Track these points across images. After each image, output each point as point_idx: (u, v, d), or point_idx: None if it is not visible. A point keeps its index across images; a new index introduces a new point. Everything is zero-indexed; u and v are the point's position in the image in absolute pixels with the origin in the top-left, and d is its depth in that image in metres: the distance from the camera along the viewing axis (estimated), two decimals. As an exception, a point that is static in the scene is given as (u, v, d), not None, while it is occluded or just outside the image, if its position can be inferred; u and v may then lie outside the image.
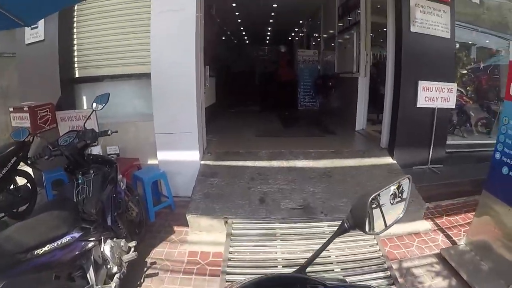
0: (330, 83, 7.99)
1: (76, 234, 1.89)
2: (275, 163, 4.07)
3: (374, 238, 2.85)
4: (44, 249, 1.68)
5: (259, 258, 2.60)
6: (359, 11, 6.01)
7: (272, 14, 10.23)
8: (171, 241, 3.05)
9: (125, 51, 4.06)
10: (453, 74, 4.84)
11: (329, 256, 2.66)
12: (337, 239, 2.60)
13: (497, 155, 2.64)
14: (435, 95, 4.15)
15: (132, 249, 2.36)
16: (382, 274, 2.53)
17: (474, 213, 3.04)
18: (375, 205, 0.97)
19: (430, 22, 4.13)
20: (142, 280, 2.54)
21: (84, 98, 4.29)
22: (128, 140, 3.77)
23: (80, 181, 2.17)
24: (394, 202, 1.03)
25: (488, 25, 6.06)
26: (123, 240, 2.29)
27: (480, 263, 2.73)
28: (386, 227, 1.01)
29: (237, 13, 9.95)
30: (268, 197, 3.39)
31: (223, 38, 12.43)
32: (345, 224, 0.97)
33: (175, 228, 3.28)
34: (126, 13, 4.00)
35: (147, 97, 3.81)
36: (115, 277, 2.12)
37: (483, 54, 6.44)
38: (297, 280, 0.90)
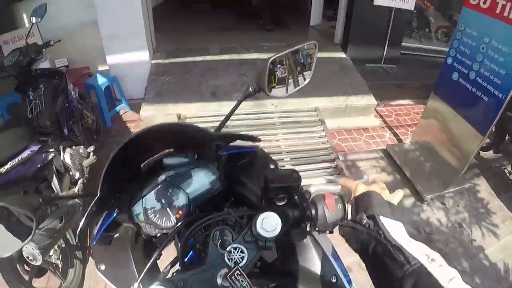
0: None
1: (35, 148, 1.98)
2: (226, 57, 4.19)
3: (323, 130, 3.10)
4: (6, 167, 1.77)
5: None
6: None
7: None
8: None
9: None
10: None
11: (279, 146, 2.91)
12: (286, 131, 2.81)
13: (449, 60, 2.79)
14: (394, -6, 4.15)
15: (91, 153, 2.48)
16: (328, 164, 2.83)
17: (421, 115, 3.32)
18: (278, 69, 1.01)
19: None
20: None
21: (24, 16, 3.88)
22: (75, 50, 3.66)
23: (31, 97, 2.22)
24: (300, 69, 1.09)
25: None
26: (82, 146, 2.42)
27: (423, 162, 3.09)
28: (287, 92, 1.07)
29: None
30: (219, 90, 3.53)
31: None
32: (250, 88, 0.99)
33: (133, 129, 3.41)
34: None
35: (90, 2, 3.55)
36: (78, 182, 2.29)
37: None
38: (215, 137, 0.88)
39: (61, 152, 2.19)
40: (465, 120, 2.65)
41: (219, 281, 0.57)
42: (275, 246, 0.67)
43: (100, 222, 0.78)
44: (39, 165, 1.96)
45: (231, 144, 0.91)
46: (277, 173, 0.78)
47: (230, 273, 0.56)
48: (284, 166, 2.71)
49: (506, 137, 3.05)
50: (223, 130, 0.99)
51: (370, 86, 3.81)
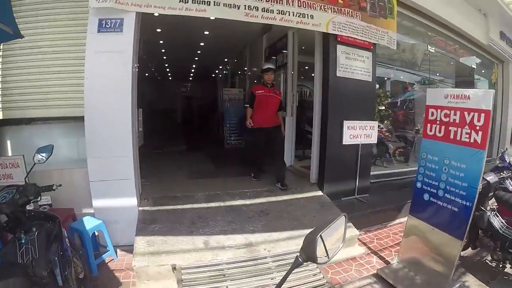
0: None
1: None
2: (213, 205, 4.37)
3: (317, 267, 3.24)
4: None
5: (213, 300, 2.77)
6: (285, 51, 6.73)
7: (198, 52, 10.76)
8: None
9: (56, 91, 3.95)
10: (374, 113, 5.71)
11: (279, 290, 2.96)
12: (282, 274, 2.97)
13: (419, 184, 3.31)
14: (359, 132, 4.89)
15: None
16: (329, 298, 2.91)
17: (402, 234, 3.66)
18: (320, 240, 1.20)
19: (354, 67, 4.91)
20: None
21: (9, 142, 4.04)
22: (60, 189, 3.66)
23: (23, 241, 2.11)
24: (335, 235, 1.30)
25: (403, 63, 7.32)
26: None
27: (414, 277, 3.31)
28: (329, 258, 1.24)
29: (163, 50, 10.33)
30: (211, 239, 3.59)
31: (147, 74, 12.55)
32: (299, 259, 1.18)
33: (122, 279, 3.28)
34: (58, 50, 3.91)
35: (80, 142, 3.77)
36: None
37: (399, 89, 7.60)
38: None
39: None
40: (442, 231, 3.03)
41: None
42: None
43: None
44: None
45: None
46: None
47: None
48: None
49: (479, 232, 3.45)
50: None
51: (349, 218, 4.12)
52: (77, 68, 3.77)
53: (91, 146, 3.64)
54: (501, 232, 3.25)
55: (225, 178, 5.74)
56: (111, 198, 3.77)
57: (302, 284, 3.05)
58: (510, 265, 3.19)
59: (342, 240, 1.35)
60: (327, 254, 1.23)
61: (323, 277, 3.16)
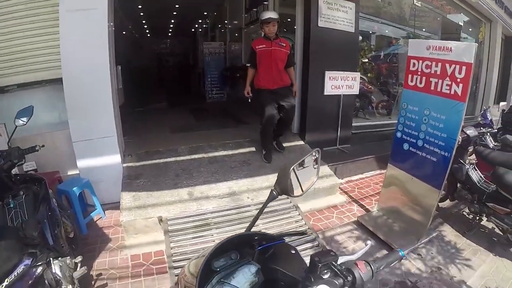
0: (238, 75, 8.45)
1: (28, 261, 1.89)
2: (196, 157, 4.44)
3: (299, 215, 3.40)
4: (4, 284, 1.70)
5: (200, 248, 2.88)
6: (266, 2, 6.55)
7: (177, 6, 10.43)
8: (110, 250, 3.13)
9: (31, 56, 3.80)
10: (357, 64, 5.72)
11: (262, 234, 3.12)
12: (265, 220, 3.09)
13: (399, 134, 3.40)
14: (341, 83, 4.91)
15: (79, 264, 2.36)
16: (310, 244, 3.05)
17: (382, 184, 3.81)
18: (294, 174, 1.22)
19: (337, 17, 4.83)
20: (94, 294, 2.60)
21: None
22: (44, 153, 3.51)
23: (11, 205, 2.13)
24: (308, 171, 1.34)
25: (388, 17, 7.19)
26: (68, 257, 2.28)
27: (392, 224, 3.50)
28: (303, 191, 1.27)
29: (140, 6, 9.96)
30: (195, 190, 3.70)
31: (125, 32, 12.15)
32: (274, 192, 1.20)
33: (111, 235, 3.36)
34: (30, 13, 3.70)
35: (60, 104, 3.68)
36: (71, 297, 2.11)
37: (384, 43, 7.59)
38: (251, 237, 1.13)
39: (51, 264, 2.07)
40: (421, 180, 3.17)
41: None
42: None
43: None
44: (30, 281, 1.86)
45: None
46: (320, 253, 0.93)
47: None
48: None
49: (458, 185, 3.64)
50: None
51: (331, 167, 4.29)
52: (52, 29, 3.63)
53: (71, 107, 3.58)
54: (479, 185, 3.43)
55: (208, 131, 5.79)
56: (95, 157, 3.77)
57: (285, 231, 3.22)
58: (486, 218, 3.39)
59: (316, 174, 1.38)
60: (301, 188, 1.26)
61: (305, 223, 3.33)
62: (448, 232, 3.54)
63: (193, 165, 4.22)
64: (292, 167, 1.19)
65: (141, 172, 4.00)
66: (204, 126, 6.24)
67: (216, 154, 4.55)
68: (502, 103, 7.51)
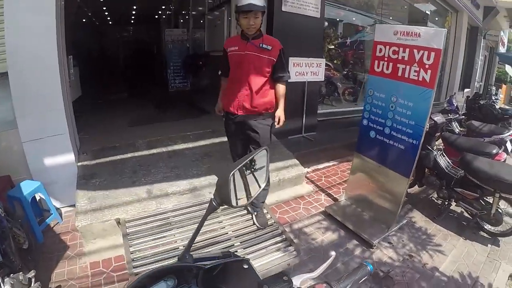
0: (201, 62, 8.35)
1: None
2: (154, 151, 4.27)
3: (264, 208, 3.34)
4: None
5: (161, 251, 2.78)
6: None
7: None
8: (68, 258, 2.95)
9: None
10: (322, 50, 5.65)
11: (227, 233, 3.03)
12: (230, 216, 2.96)
13: (365, 122, 3.36)
14: (305, 70, 4.86)
15: (33, 279, 2.21)
16: (278, 238, 3.01)
17: (349, 172, 3.79)
18: (237, 179, 1.05)
19: (301, 2, 4.74)
20: (53, 309, 2.44)
21: None
22: None
23: None
24: (255, 173, 1.15)
25: (356, 4, 7.23)
26: (20, 273, 2.11)
27: (361, 213, 3.49)
28: (249, 199, 1.11)
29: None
30: (154, 187, 3.52)
31: (83, 20, 11.61)
32: (213, 203, 1.02)
33: (68, 242, 3.17)
34: None
35: (8, 101, 3.38)
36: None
37: (350, 31, 7.64)
38: (177, 268, 0.97)
39: (1, 283, 1.92)
40: (388, 168, 3.16)
41: None
42: None
43: None
44: None
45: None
46: (271, 279, 0.86)
47: None
48: (236, 251, 2.75)
49: (426, 171, 3.71)
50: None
51: (296, 156, 4.22)
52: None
53: (18, 104, 3.34)
54: (447, 171, 3.51)
55: (168, 123, 5.61)
56: (47, 157, 3.55)
57: (249, 226, 3.15)
58: (455, 203, 3.48)
59: (264, 179, 1.18)
60: (248, 195, 1.10)
61: (271, 217, 3.27)
62: (418, 218, 3.59)
63: (152, 160, 4.05)
64: (232, 172, 1.01)
65: (96, 171, 3.78)
66: (164, 118, 6.05)
67: (176, 147, 4.38)
68: (466, 90, 7.82)
